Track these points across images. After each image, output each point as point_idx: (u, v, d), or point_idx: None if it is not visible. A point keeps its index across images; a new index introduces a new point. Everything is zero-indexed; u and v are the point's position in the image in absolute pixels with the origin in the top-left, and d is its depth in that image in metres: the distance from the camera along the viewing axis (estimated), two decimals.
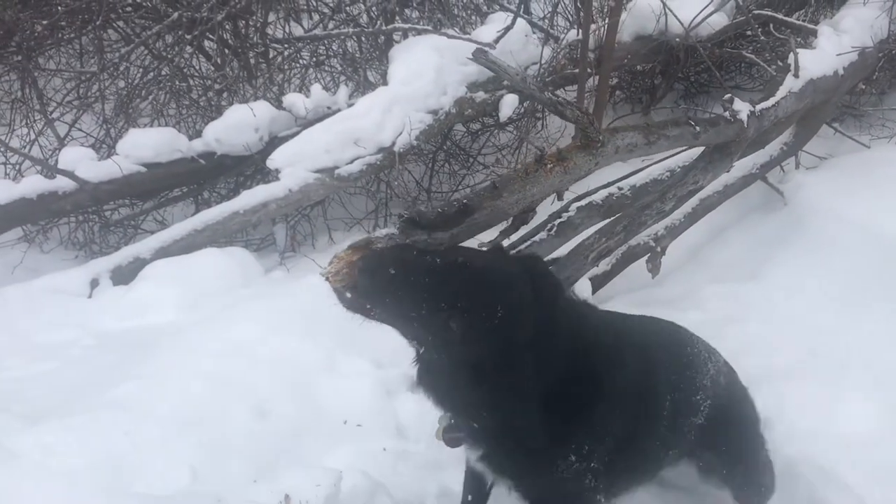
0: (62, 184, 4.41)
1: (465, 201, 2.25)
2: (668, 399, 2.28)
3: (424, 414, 2.90)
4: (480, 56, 2.41)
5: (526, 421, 1.92)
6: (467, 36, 4.99)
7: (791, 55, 4.12)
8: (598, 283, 4.09)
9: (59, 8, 4.99)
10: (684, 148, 4.15)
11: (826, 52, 4.45)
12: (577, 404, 2.00)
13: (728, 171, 3.66)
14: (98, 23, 4.92)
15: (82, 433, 2.42)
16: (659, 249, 4.22)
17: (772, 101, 3.71)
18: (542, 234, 3.74)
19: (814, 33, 4.99)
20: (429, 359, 2.00)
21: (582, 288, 4.03)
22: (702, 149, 3.62)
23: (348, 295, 1.88)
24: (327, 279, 1.90)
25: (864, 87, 5.13)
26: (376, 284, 1.83)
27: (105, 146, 5.25)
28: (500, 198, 2.33)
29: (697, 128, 2.99)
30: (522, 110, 5.50)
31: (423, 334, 1.91)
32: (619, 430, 2.11)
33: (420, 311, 1.83)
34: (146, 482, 2.29)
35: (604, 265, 4.10)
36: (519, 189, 2.39)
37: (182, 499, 2.22)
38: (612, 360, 2.10)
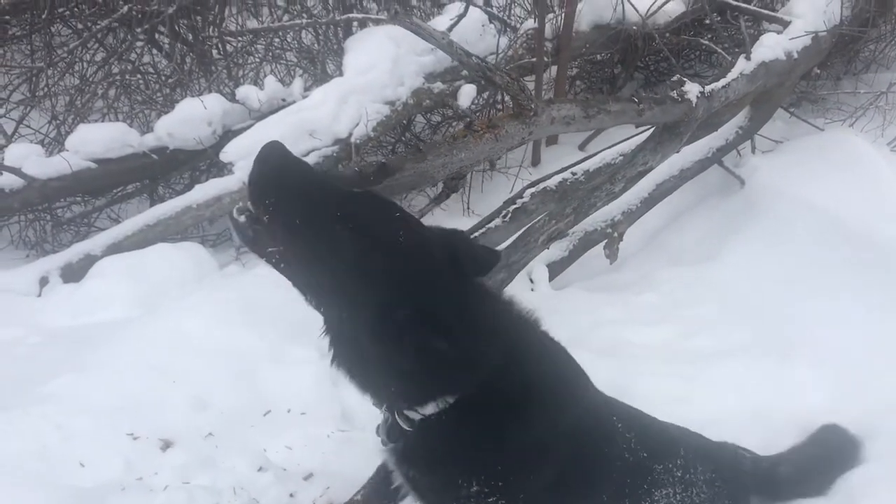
0: (9, 181, 4.30)
1: (384, 161, 2.21)
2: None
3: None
4: (401, 18, 2.37)
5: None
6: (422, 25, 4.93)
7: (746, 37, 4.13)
8: (555, 269, 4.07)
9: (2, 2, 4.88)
10: (640, 131, 4.16)
11: (779, 37, 4.46)
12: None
13: (678, 153, 3.65)
14: (45, 16, 4.81)
15: (11, 427, 2.35)
16: (616, 235, 4.20)
17: (722, 81, 3.71)
18: (498, 221, 3.71)
19: (769, 19, 5.03)
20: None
21: (539, 274, 4.01)
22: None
23: (250, 233, 1.86)
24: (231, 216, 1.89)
25: (818, 71, 5.15)
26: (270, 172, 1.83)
27: (56, 143, 5.14)
28: (424, 160, 2.30)
29: (641, 105, 2.97)
30: (482, 101, 5.47)
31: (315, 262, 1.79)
32: None
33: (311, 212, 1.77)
34: (76, 474, 2.22)
35: (560, 251, 4.08)
36: (445, 153, 2.35)
37: (113, 490, 2.16)
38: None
